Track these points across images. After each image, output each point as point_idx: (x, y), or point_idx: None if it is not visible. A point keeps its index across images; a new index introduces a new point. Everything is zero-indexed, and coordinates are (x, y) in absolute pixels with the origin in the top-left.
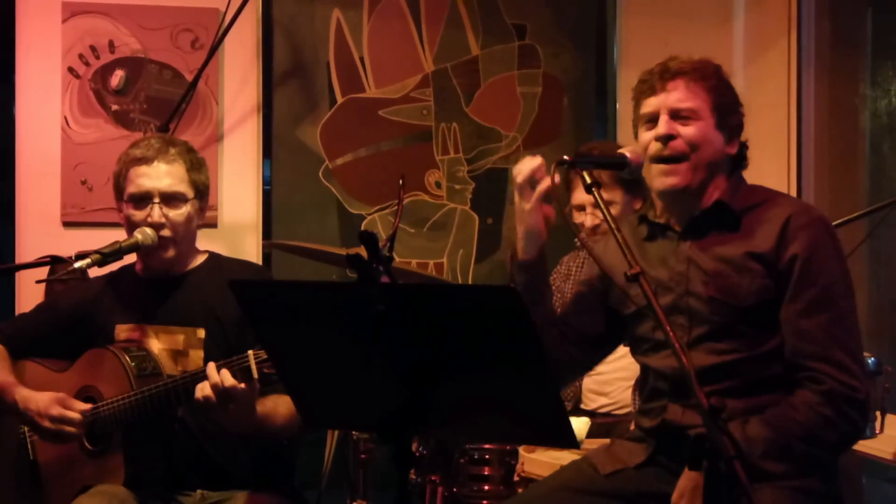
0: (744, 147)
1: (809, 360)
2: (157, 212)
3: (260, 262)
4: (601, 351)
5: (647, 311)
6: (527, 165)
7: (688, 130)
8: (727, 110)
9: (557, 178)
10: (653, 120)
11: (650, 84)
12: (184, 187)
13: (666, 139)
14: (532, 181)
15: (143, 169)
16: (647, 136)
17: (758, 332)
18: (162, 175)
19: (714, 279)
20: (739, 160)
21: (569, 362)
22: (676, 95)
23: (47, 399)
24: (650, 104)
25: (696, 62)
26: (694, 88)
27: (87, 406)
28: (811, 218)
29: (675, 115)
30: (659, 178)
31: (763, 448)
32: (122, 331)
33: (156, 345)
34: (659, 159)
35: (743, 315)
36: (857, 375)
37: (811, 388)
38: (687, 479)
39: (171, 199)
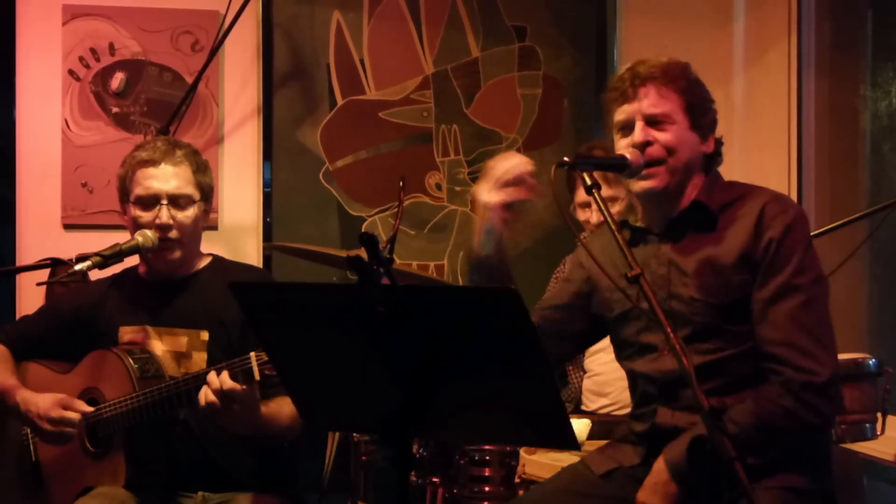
0: (719, 143)
1: (771, 346)
2: (165, 213)
3: (260, 265)
4: (576, 348)
5: (647, 313)
6: (518, 166)
7: (663, 136)
8: (699, 110)
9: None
10: (628, 127)
11: (622, 91)
12: (190, 189)
13: (643, 146)
14: (516, 181)
15: (151, 171)
16: (623, 142)
17: (741, 329)
18: (169, 177)
19: (694, 279)
20: (715, 157)
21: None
22: (649, 101)
23: (48, 401)
24: (624, 111)
25: (664, 65)
26: (665, 92)
27: (89, 408)
28: (785, 206)
29: (650, 120)
30: (638, 182)
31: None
32: (126, 333)
33: (159, 347)
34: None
35: (725, 313)
36: (819, 358)
37: (772, 381)
38: (657, 475)
39: (178, 200)
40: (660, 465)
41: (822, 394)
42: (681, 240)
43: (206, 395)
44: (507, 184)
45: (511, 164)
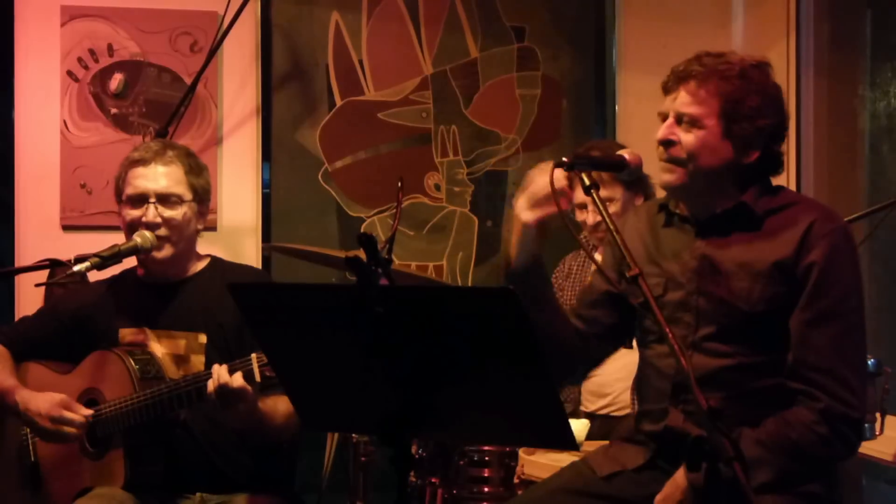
0: (771, 156)
1: (811, 371)
2: (151, 211)
3: (260, 265)
4: (614, 342)
5: (645, 311)
6: (551, 182)
7: (688, 138)
8: (738, 118)
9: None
10: (665, 119)
11: (668, 83)
12: (180, 189)
13: (665, 144)
14: (551, 197)
15: (141, 170)
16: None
17: (763, 340)
18: (158, 176)
19: (726, 280)
20: (765, 168)
21: (583, 357)
22: (683, 99)
23: (48, 400)
24: (664, 104)
25: (719, 62)
26: (701, 93)
27: (90, 411)
28: (834, 226)
29: (680, 119)
30: (659, 174)
31: (756, 466)
32: (126, 335)
33: (158, 349)
34: (662, 159)
35: (750, 321)
36: (857, 392)
37: (807, 406)
38: (673, 486)
39: (166, 199)
40: (681, 481)
41: (855, 428)
42: (721, 237)
43: (215, 383)
44: (543, 201)
45: (545, 180)
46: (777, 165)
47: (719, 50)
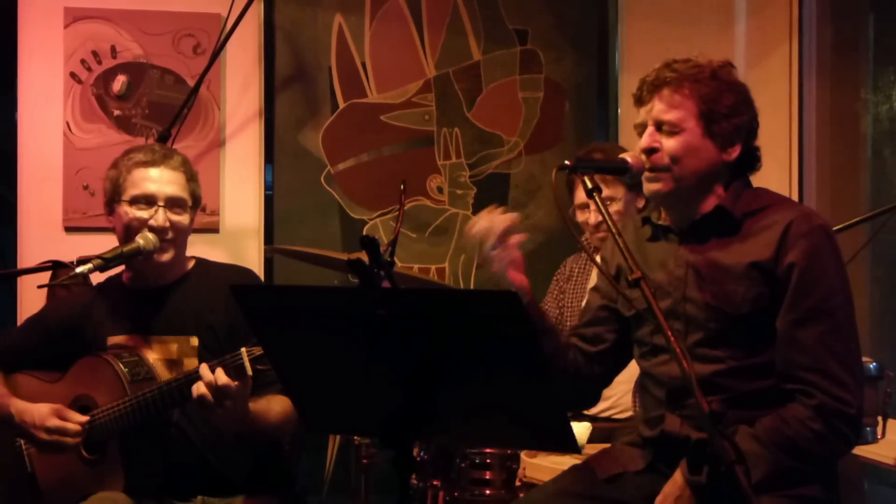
0: (749, 151)
1: (802, 371)
2: (161, 215)
3: (262, 267)
4: (620, 361)
5: (647, 315)
6: (489, 228)
7: (670, 143)
8: (717, 117)
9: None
10: (643, 129)
11: (641, 94)
12: (186, 195)
13: (648, 152)
14: (495, 244)
15: (149, 172)
16: (638, 145)
17: (752, 342)
18: (167, 180)
19: (710, 285)
20: (744, 165)
21: (592, 380)
22: (659, 107)
23: (44, 410)
24: (640, 114)
25: (689, 66)
26: (677, 98)
27: (85, 418)
28: (812, 226)
29: (659, 126)
30: (645, 185)
31: (751, 462)
32: (115, 342)
33: (150, 355)
34: (645, 167)
35: (737, 323)
36: (851, 389)
37: (802, 402)
38: (673, 486)
39: (175, 204)
40: (679, 482)
41: (851, 424)
42: (702, 243)
43: (198, 388)
44: (492, 251)
45: (479, 234)
46: (755, 161)
47: (687, 56)
